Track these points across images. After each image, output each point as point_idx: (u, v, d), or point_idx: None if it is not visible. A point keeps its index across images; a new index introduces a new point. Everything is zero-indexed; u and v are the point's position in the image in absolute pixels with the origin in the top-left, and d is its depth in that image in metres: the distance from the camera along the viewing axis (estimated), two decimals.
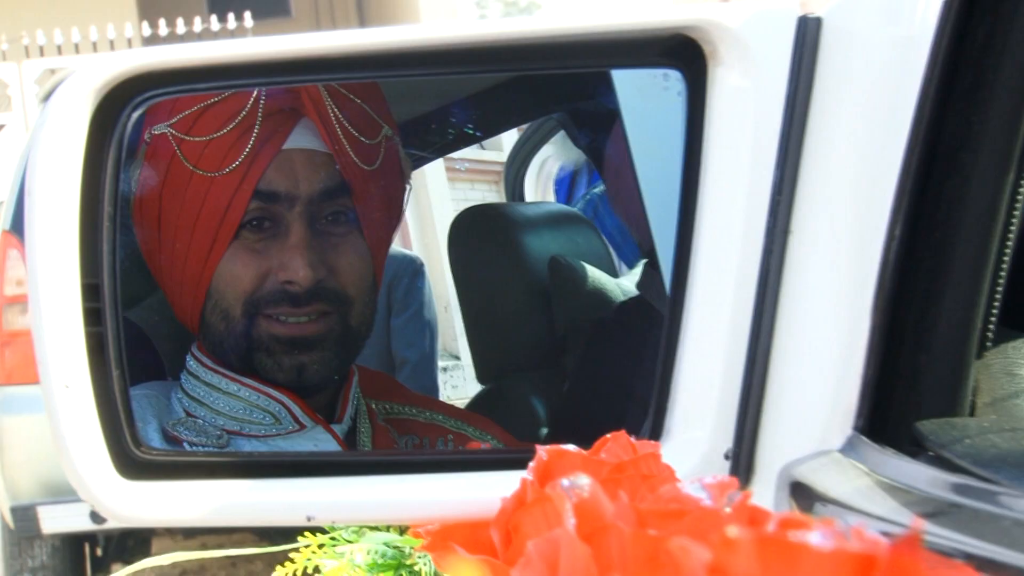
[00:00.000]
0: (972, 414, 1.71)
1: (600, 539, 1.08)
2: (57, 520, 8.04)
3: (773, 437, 1.85)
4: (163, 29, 21.32)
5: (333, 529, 2.66)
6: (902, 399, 1.69)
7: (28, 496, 8.04)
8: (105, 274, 1.94)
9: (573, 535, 1.06)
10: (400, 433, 2.68)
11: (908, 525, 1.38)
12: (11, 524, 8.22)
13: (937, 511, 1.41)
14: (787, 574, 0.82)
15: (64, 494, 7.46)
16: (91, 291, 1.93)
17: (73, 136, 1.91)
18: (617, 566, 1.05)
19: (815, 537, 0.83)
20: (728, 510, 1.13)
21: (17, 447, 8.01)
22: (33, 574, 8.63)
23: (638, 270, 2.78)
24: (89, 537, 8.91)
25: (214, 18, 22.13)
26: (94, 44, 20.61)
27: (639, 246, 2.79)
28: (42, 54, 20.63)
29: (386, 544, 2.58)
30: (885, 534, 0.90)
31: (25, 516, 8.06)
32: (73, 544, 8.79)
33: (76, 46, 20.48)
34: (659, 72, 2.11)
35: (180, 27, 21.36)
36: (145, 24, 21.96)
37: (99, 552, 9.11)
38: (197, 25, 21.79)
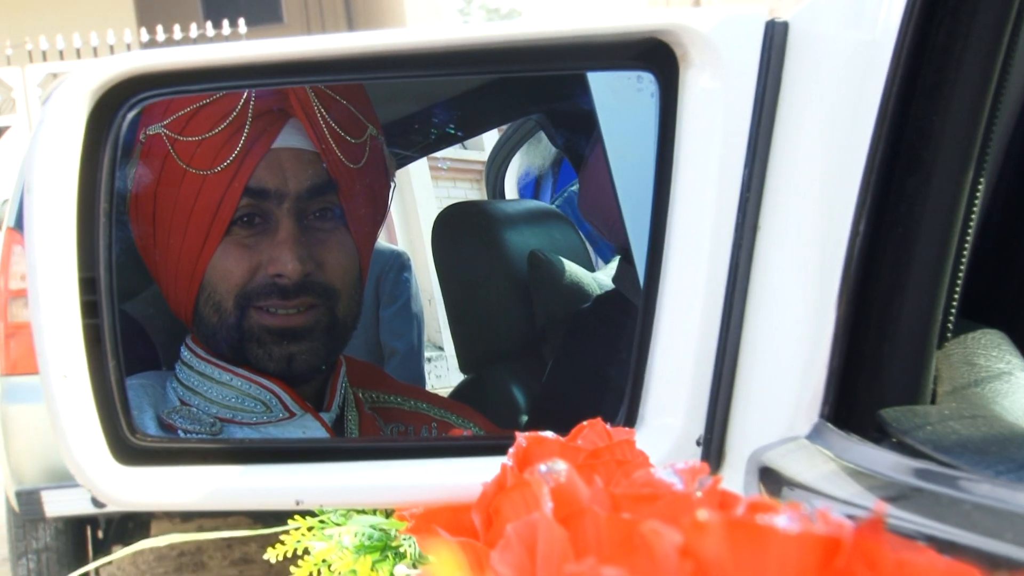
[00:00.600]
0: (933, 402, 1.71)
1: (576, 522, 1.07)
2: (60, 504, 8.04)
3: (743, 424, 1.84)
4: (160, 35, 21.29)
5: (322, 512, 2.65)
6: (866, 388, 1.69)
7: (32, 481, 8.04)
8: (102, 268, 1.93)
9: (550, 518, 1.05)
10: (386, 421, 2.67)
11: (872, 509, 1.38)
12: (16, 508, 8.22)
13: (900, 495, 1.40)
14: (755, 556, 0.82)
15: (67, 479, 7.44)
16: (88, 284, 1.92)
17: (70, 135, 1.90)
18: (592, 548, 1.04)
19: (782, 520, 0.83)
20: (699, 494, 1.13)
21: (22, 434, 8.01)
22: (37, 555, 8.62)
23: (613, 264, 2.78)
24: (91, 520, 8.91)
25: (209, 24, 22.09)
26: (94, 49, 20.57)
27: (613, 241, 2.79)
28: (45, 59, 20.60)
29: (372, 527, 2.57)
30: (850, 517, 0.89)
31: (30, 500, 8.06)
32: (75, 527, 8.79)
33: (77, 51, 20.45)
34: (633, 74, 2.10)
35: (177, 33, 21.34)
36: (143, 30, 21.94)
37: (100, 534, 9.11)
38: (193, 31, 21.77)
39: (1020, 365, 1.81)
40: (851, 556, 0.80)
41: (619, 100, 2.38)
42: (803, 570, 0.80)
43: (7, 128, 19.55)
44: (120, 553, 2.91)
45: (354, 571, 2.52)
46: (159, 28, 21.51)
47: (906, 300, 1.69)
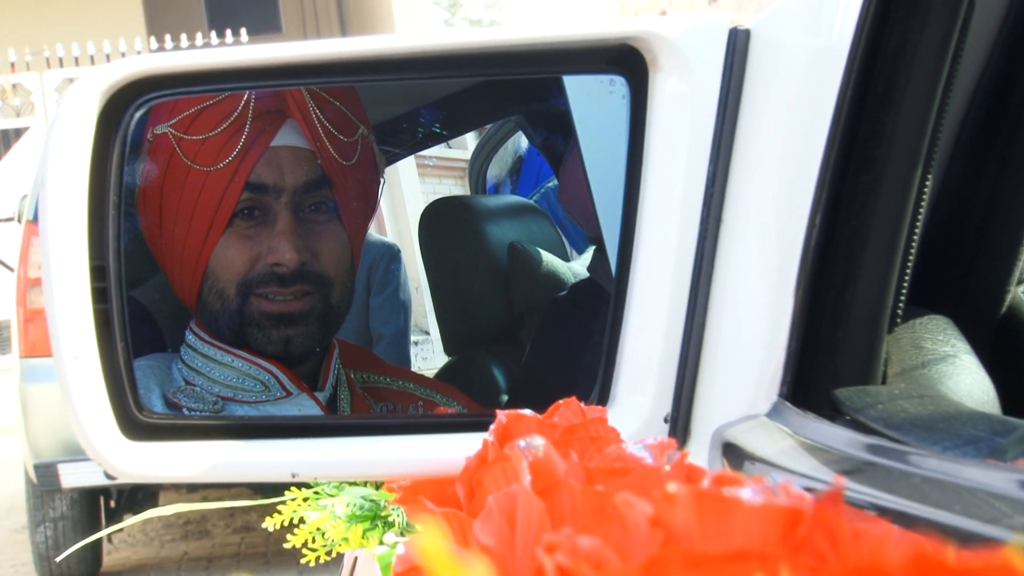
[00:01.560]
0: (884, 383, 1.71)
1: (553, 494, 1.06)
2: (75, 476, 8.04)
3: (707, 403, 1.84)
4: (168, 43, 21.24)
5: (316, 484, 2.65)
6: (821, 369, 1.68)
7: (50, 454, 8.04)
8: (111, 257, 1.92)
9: (529, 490, 1.04)
10: (376, 400, 2.67)
11: (829, 481, 1.37)
12: (35, 479, 8.21)
13: (854, 469, 1.39)
14: (722, 526, 0.80)
15: (81, 453, 7.43)
16: (98, 272, 1.91)
17: (82, 133, 1.89)
18: (568, 518, 1.03)
19: (747, 493, 0.82)
20: (668, 468, 1.12)
21: (40, 411, 8.01)
22: (54, 523, 8.61)
23: (587, 254, 2.77)
24: (103, 491, 8.91)
25: (213, 34, 22.05)
26: (107, 56, 20.52)
27: (587, 233, 2.78)
28: (61, 65, 20.54)
29: (363, 498, 2.57)
30: (808, 490, 0.88)
31: (47, 472, 8.06)
32: (89, 497, 8.79)
33: (91, 58, 20.41)
34: (606, 78, 2.09)
35: (183, 42, 21.29)
36: (152, 39, 21.90)
37: (112, 504, 9.10)
38: (198, 40, 21.72)
39: (964, 348, 1.81)
40: (811, 527, 0.79)
41: (593, 102, 2.37)
42: (766, 539, 0.79)
43: (27, 129, 19.54)
44: (130, 521, 2.90)
45: (346, 538, 2.52)
46: (167, 37, 21.46)
47: (858, 288, 1.69)
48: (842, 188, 1.66)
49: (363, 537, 2.47)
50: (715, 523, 0.81)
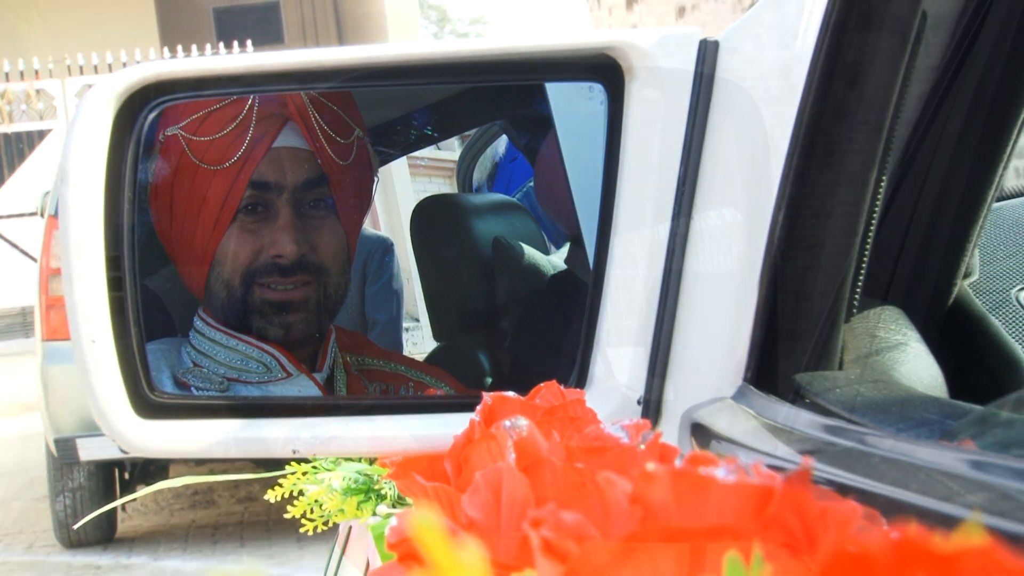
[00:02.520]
0: (841, 368, 1.70)
1: (536, 471, 1.04)
2: (92, 450, 8.04)
3: (677, 386, 1.83)
4: (180, 54, 21.20)
5: (314, 460, 2.64)
6: (784, 356, 1.67)
7: (69, 430, 8.04)
8: (125, 248, 1.90)
9: (513, 467, 1.02)
10: (370, 381, 2.66)
11: (791, 460, 1.36)
12: (55, 453, 8.20)
13: (815, 449, 1.38)
14: (697, 503, 0.79)
15: (98, 429, 7.41)
16: (114, 262, 1.89)
17: (99, 134, 1.87)
18: (551, 494, 1.01)
19: (720, 472, 0.80)
20: (642, 447, 1.11)
21: (60, 390, 8.01)
22: (72, 493, 8.60)
23: (566, 248, 2.76)
24: (118, 464, 8.89)
25: (221, 45, 22.02)
26: (123, 64, 20.49)
27: (566, 229, 2.77)
28: (81, 72, 20.49)
29: (358, 472, 2.55)
30: (777, 469, 0.87)
31: (66, 447, 8.06)
32: (105, 469, 8.78)
33: (109, 66, 20.37)
34: (585, 85, 2.07)
35: (194, 52, 21.26)
36: (165, 49, 21.86)
37: (126, 476, 9.09)
38: (207, 50, 21.69)
39: (914, 337, 1.80)
40: (781, 504, 0.77)
41: (573, 107, 2.35)
42: (739, 516, 0.77)
43: (49, 131, 19.53)
44: (142, 492, 2.89)
45: (342, 510, 2.50)
46: (179, 47, 21.43)
47: (818, 281, 1.68)
48: (803, 188, 1.65)
49: (357, 509, 2.46)
50: (691, 500, 0.79)
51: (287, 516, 2.66)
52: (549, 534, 0.80)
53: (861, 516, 0.77)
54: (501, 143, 2.99)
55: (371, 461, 2.58)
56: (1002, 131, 1.89)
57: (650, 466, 0.79)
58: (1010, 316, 2.15)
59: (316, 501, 2.56)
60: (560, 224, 2.81)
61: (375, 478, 2.55)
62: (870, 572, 0.68)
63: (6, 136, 19.66)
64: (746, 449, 1.47)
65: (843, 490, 1.13)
